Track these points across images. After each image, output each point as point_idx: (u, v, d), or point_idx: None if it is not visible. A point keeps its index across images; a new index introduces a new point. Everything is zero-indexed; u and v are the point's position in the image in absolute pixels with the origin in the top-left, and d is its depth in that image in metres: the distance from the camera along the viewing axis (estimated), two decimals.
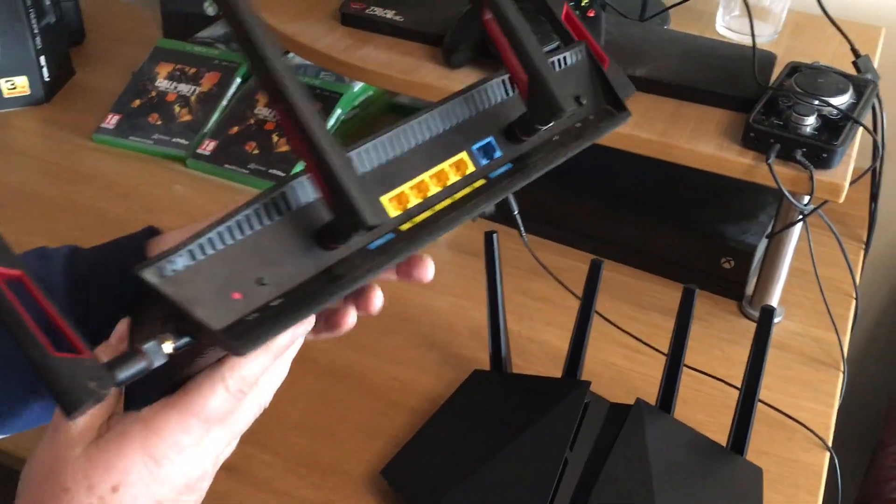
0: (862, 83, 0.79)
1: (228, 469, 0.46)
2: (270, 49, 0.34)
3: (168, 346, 0.35)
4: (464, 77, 0.84)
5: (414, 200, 0.40)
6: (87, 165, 1.07)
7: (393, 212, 0.39)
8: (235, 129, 1.08)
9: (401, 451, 0.71)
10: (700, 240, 0.89)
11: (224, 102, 1.12)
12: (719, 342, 0.84)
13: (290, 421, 0.76)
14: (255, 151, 1.05)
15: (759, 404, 0.68)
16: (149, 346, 0.35)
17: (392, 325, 0.85)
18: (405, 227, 0.38)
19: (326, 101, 1.09)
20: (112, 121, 1.11)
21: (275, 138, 1.06)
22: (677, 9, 0.98)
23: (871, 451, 1.07)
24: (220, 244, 0.35)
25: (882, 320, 1.23)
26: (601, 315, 0.82)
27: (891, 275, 1.19)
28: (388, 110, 1.17)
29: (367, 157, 0.39)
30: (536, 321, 0.86)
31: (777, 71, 0.83)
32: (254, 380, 0.40)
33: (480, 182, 0.42)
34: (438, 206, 0.40)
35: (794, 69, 0.81)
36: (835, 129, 0.73)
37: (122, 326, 0.44)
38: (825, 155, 0.71)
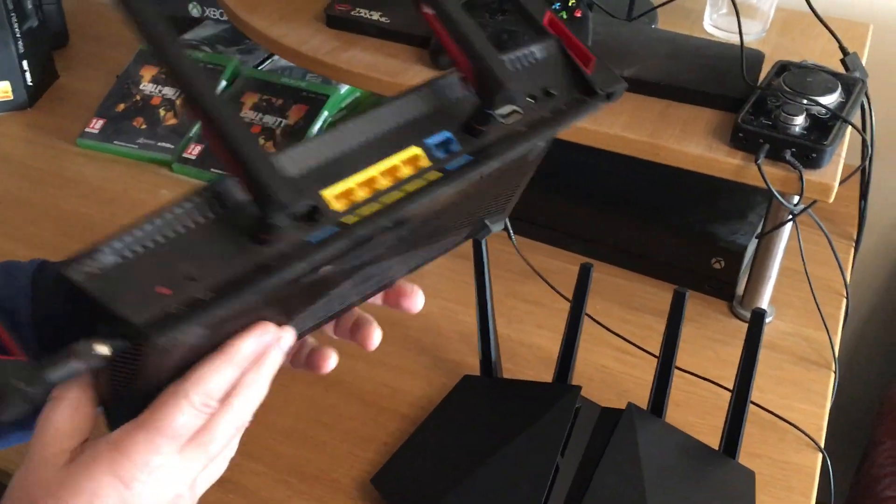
0: (850, 81, 0.78)
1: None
2: (168, 38, 0.34)
3: (102, 347, 0.34)
4: None
5: (361, 195, 0.38)
6: (72, 171, 1.06)
7: (338, 207, 0.38)
8: None
9: (391, 459, 0.71)
10: (690, 240, 0.88)
11: None
12: (710, 343, 0.84)
13: (278, 429, 0.75)
14: None
15: (751, 406, 0.68)
16: (79, 345, 0.34)
17: (381, 330, 0.84)
18: (350, 220, 0.37)
19: (313, 103, 1.08)
20: (96, 125, 1.10)
21: (261, 141, 1.05)
22: (665, 8, 0.98)
23: (862, 449, 1.07)
24: (150, 242, 0.35)
25: (872, 318, 1.23)
26: (591, 318, 0.81)
27: (881, 273, 1.19)
28: None
29: (308, 154, 0.38)
30: (527, 324, 0.86)
31: (765, 69, 0.82)
32: (219, 394, 0.40)
33: (436, 175, 0.40)
34: (388, 200, 0.39)
35: (782, 68, 0.80)
36: (824, 128, 0.73)
37: None
38: (814, 155, 0.71)
